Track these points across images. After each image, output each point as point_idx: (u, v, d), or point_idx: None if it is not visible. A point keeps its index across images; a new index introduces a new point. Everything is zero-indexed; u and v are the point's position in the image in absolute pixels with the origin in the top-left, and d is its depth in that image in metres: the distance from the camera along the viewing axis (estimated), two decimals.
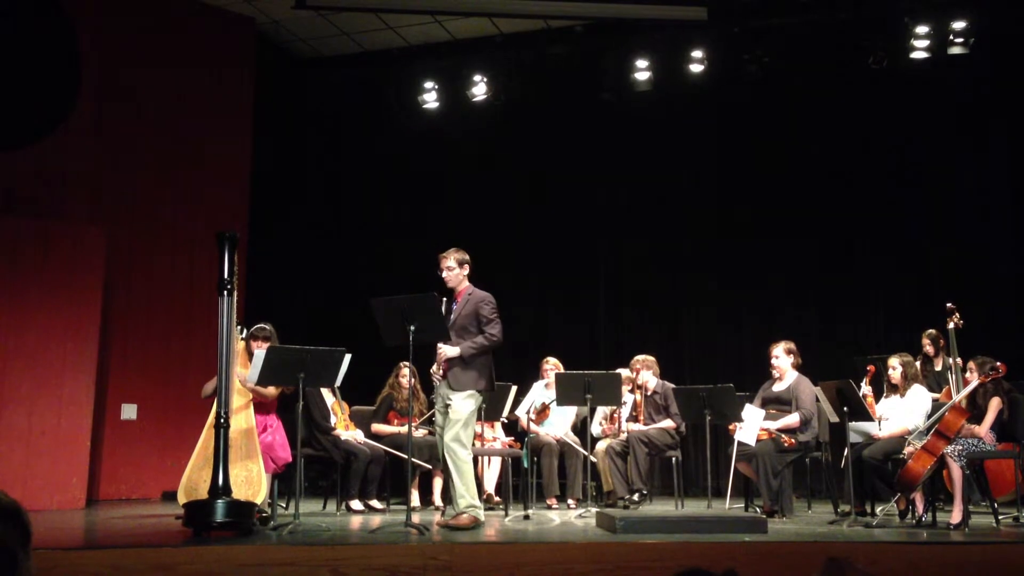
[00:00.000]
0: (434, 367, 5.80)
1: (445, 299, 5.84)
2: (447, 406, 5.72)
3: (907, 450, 5.88)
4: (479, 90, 9.68)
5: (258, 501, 5.35)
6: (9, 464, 7.08)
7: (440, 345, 5.70)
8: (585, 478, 7.10)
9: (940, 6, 8.51)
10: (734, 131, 9.56)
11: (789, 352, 6.74)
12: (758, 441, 6.44)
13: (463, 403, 5.65)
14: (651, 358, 7.57)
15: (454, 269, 5.87)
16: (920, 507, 5.98)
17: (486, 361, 5.75)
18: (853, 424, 6.08)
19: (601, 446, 7.41)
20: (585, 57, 9.55)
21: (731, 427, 6.67)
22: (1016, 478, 5.97)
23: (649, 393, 7.47)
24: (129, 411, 8.30)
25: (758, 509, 6.57)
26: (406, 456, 5.94)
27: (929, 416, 6.10)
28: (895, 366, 6.39)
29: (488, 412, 6.81)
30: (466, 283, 5.94)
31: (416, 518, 5.37)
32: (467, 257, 5.95)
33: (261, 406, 5.81)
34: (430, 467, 7.26)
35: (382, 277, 9.35)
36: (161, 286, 8.57)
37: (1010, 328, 8.13)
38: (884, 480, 6.16)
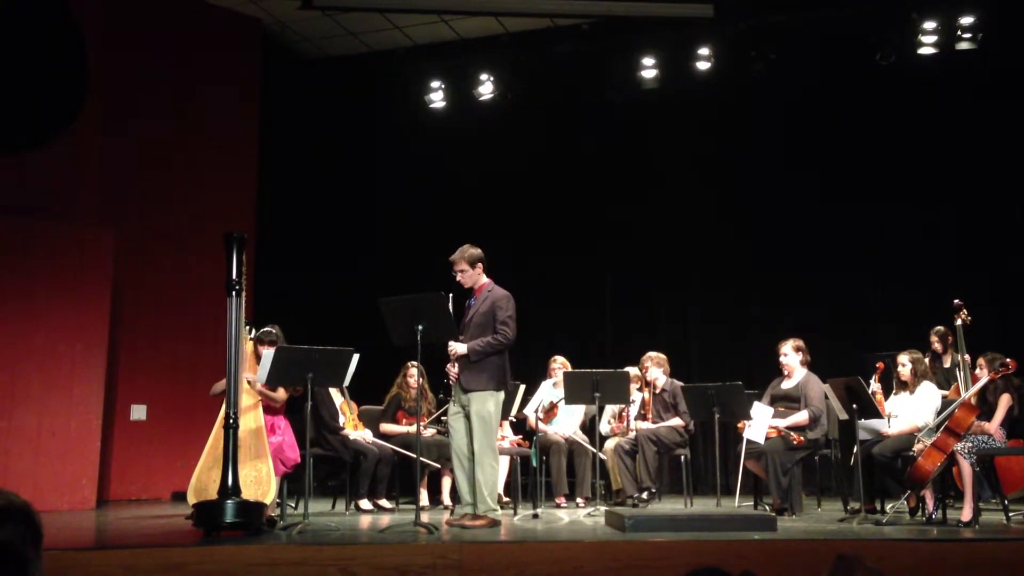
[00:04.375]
0: (449, 365, 5.79)
1: (451, 295, 5.82)
2: (464, 408, 5.69)
3: (917, 447, 5.86)
4: (485, 89, 9.69)
5: (267, 501, 5.36)
6: (19, 465, 7.12)
7: (450, 343, 5.69)
8: (594, 476, 7.09)
9: (948, 1, 8.47)
10: (740, 128, 9.53)
11: (798, 350, 6.72)
12: (767, 439, 6.43)
13: (482, 405, 5.60)
14: (662, 356, 7.56)
15: (467, 271, 5.82)
16: (930, 504, 5.96)
17: (499, 361, 5.69)
18: (862, 421, 6.06)
19: (610, 444, 7.41)
20: (591, 55, 9.54)
21: (740, 425, 6.66)
22: None
23: (658, 391, 7.46)
24: (139, 412, 8.33)
25: (767, 507, 6.56)
26: (415, 455, 5.95)
27: (939, 413, 6.08)
28: (904, 363, 6.38)
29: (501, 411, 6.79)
30: (484, 279, 5.87)
31: (425, 517, 5.39)
32: (478, 252, 5.85)
33: (270, 407, 5.82)
34: (439, 466, 7.26)
35: (390, 277, 9.35)
36: (170, 287, 8.60)
37: (1019, 324, 8.08)
38: (894, 477, 6.15)
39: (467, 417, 5.67)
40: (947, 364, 7.40)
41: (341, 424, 6.98)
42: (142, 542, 4.99)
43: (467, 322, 5.77)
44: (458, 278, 5.84)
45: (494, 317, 5.69)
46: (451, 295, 5.58)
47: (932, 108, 8.94)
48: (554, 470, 7.43)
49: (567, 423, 7.69)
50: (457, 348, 5.66)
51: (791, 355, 6.71)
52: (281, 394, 5.84)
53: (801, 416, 6.48)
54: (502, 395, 5.75)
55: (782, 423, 6.49)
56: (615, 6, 8.75)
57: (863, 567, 1.69)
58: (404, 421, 7.47)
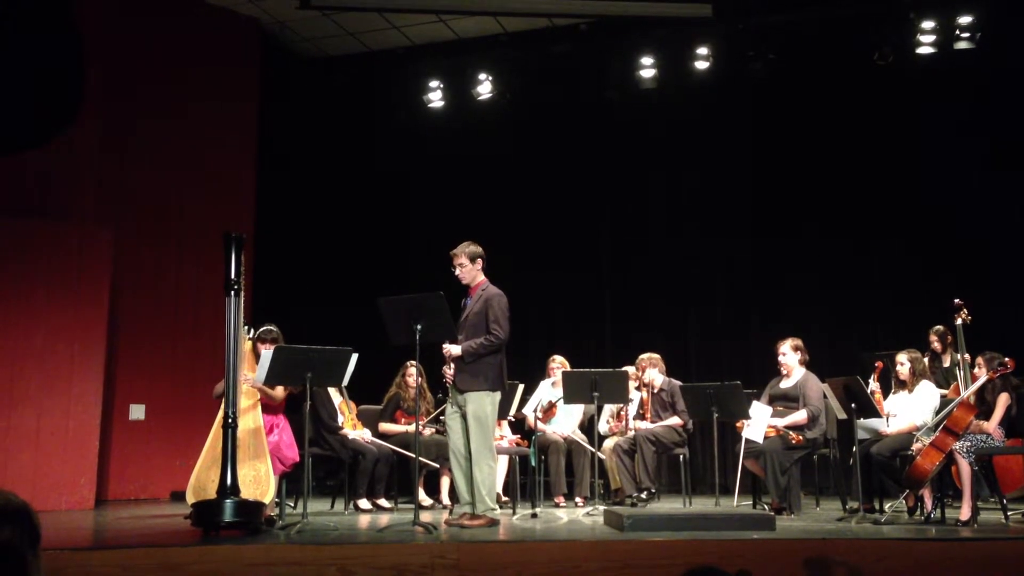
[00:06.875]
0: (445, 367, 5.79)
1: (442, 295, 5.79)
2: (461, 408, 5.69)
3: (915, 446, 5.86)
4: (484, 89, 9.69)
5: (266, 501, 5.36)
6: (18, 465, 7.12)
7: (445, 344, 5.69)
8: (593, 476, 7.10)
9: (946, 1, 8.48)
10: (739, 128, 9.54)
11: (796, 349, 6.72)
12: (766, 438, 6.43)
13: (478, 405, 5.59)
14: (656, 356, 7.57)
15: (466, 265, 5.80)
16: (929, 504, 5.97)
17: (493, 361, 5.68)
18: (861, 421, 6.06)
19: (608, 444, 7.42)
20: (589, 55, 9.55)
21: (738, 424, 6.66)
22: None
23: (656, 391, 7.47)
24: (137, 411, 8.33)
25: (766, 506, 6.57)
26: (414, 455, 5.95)
27: (937, 412, 6.08)
28: (903, 362, 6.38)
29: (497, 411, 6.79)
30: (481, 277, 5.85)
31: (424, 517, 5.38)
32: (480, 250, 5.86)
33: (268, 406, 5.82)
34: (437, 466, 7.26)
35: (389, 276, 9.35)
36: (169, 287, 8.60)
37: (1018, 324, 8.09)
38: (892, 477, 6.15)
39: (464, 417, 5.67)
40: (946, 363, 7.41)
41: (340, 424, 6.98)
42: (141, 542, 4.99)
43: (462, 322, 5.77)
44: (456, 272, 5.83)
45: (487, 316, 5.69)
46: (442, 295, 5.56)
47: (931, 106, 8.94)
48: (553, 470, 7.43)
49: (566, 423, 7.70)
50: (452, 349, 5.66)
51: (789, 354, 6.71)
52: (279, 392, 5.83)
53: (800, 415, 6.48)
54: (498, 395, 5.73)
55: (781, 422, 6.49)
56: (613, 6, 8.75)
57: (834, 563, 1.70)
58: (403, 420, 7.47)
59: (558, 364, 7.73)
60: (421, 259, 9.54)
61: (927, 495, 5.97)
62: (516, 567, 4.24)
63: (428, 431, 7.33)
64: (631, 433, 7.30)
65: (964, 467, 5.61)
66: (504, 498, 7.25)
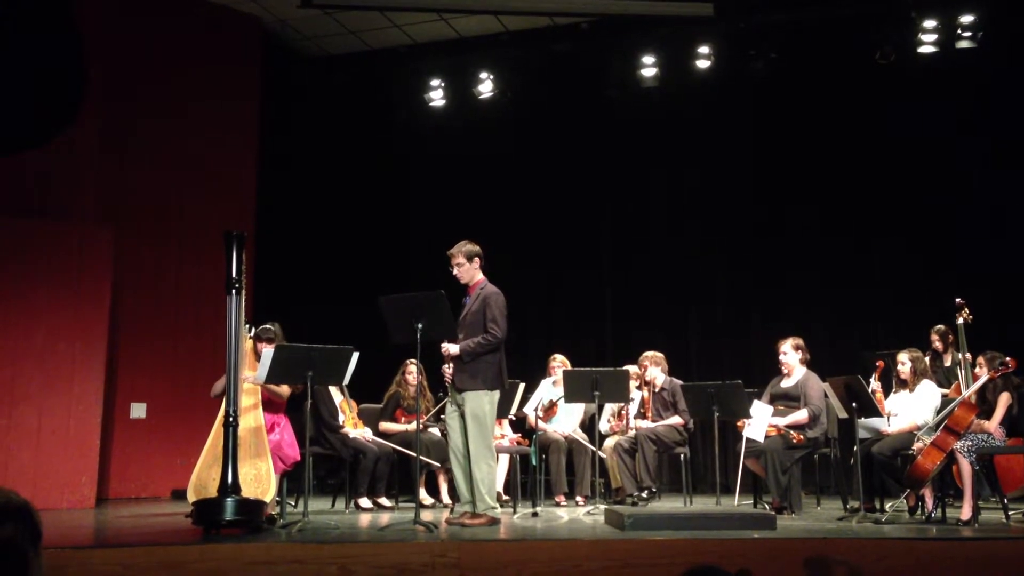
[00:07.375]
0: (444, 366, 5.79)
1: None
2: (460, 407, 5.69)
3: (916, 446, 5.86)
4: (485, 88, 9.69)
5: (267, 499, 5.36)
6: (19, 463, 7.13)
7: (444, 343, 5.69)
8: (593, 475, 7.10)
9: (947, 0, 8.48)
10: (740, 127, 9.54)
11: (797, 348, 6.72)
12: (767, 437, 6.43)
13: (477, 404, 5.60)
14: (659, 354, 7.58)
15: (464, 265, 5.81)
16: (929, 503, 5.96)
17: (492, 359, 5.68)
18: (862, 420, 6.06)
19: (609, 443, 7.42)
20: (591, 54, 9.55)
21: (739, 424, 6.66)
22: None
23: (657, 390, 7.47)
24: (138, 410, 8.34)
25: (767, 506, 6.56)
26: (414, 454, 5.95)
27: (939, 411, 6.08)
28: (904, 361, 6.37)
29: (496, 409, 6.79)
30: (479, 276, 5.86)
31: (425, 516, 5.38)
32: (477, 249, 5.86)
33: (269, 405, 5.82)
34: (438, 464, 7.26)
35: (389, 275, 9.35)
36: (169, 286, 8.60)
37: (1019, 323, 8.08)
38: (893, 476, 6.14)
39: (463, 416, 5.67)
40: (947, 363, 7.40)
41: (341, 422, 6.99)
42: (142, 540, 4.99)
43: (461, 321, 5.77)
44: (455, 272, 5.84)
45: (484, 315, 5.69)
46: (443, 293, 5.56)
47: (932, 105, 8.93)
48: (553, 468, 7.43)
49: (567, 421, 7.69)
50: (450, 348, 5.67)
51: (791, 354, 6.71)
52: (285, 389, 5.84)
53: (800, 415, 6.48)
54: (497, 394, 5.73)
55: (782, 421, 6.49)
56: (615, 4, 8.75)
57: (836, 562, 1.70)
58: (403, 419, 7.47)
59: (559, 363, 7.73)
60: (421, 258, 9.53)
61: (928, 494, 5.96)
62: (517, 566, 4.24)
63: (434, 431, 7.30)
64: (632, 432, 7.30)
65: (965, 466, 5.61)
66: (505, 497, 7.25)
